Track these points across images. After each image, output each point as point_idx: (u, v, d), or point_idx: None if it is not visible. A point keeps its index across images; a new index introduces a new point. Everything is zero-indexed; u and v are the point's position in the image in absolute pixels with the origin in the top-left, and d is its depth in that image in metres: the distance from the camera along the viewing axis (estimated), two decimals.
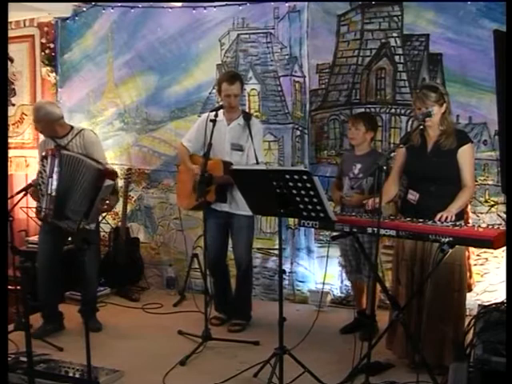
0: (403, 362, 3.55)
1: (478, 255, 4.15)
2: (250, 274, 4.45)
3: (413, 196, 3.48)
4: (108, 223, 5.29)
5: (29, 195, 4.09)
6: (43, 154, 4.05)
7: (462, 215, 3.45)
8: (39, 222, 4.85)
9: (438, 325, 3.35)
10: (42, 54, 5.58)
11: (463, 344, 2.95)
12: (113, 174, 4.07)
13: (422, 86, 3.72)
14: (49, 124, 4.07)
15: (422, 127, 3.45)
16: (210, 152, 4.03)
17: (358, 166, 4.08)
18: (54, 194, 3.95)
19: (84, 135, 4.15)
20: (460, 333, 3.25)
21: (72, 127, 4.19)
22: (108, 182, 3.96)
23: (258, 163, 4.06)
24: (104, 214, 4.65)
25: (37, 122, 4.10)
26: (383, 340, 3.51)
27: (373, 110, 4.56)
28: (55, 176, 3.95)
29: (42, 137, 5.41)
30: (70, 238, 4.33)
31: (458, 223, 3.18)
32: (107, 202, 4.03)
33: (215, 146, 3.95)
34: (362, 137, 4.08)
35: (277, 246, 3.56)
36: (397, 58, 4.49)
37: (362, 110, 4.58)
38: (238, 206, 4.13)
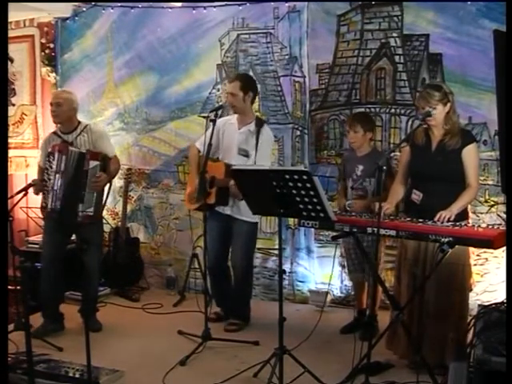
0: (403, 362, 3.55)
1: (478, 255, 4.14)
2: (249, 279, 4.43)
3: (416, 196, 3.46)
4: (108, 223, 5.29)
5: (31, 193, 4.10)
6: (49, 150, 4.06)
7: (465, 215, 3.43)
8: (39, 222, 4.88)
9: (440, 324, 3.34)
10: (42, 54, 5.58)
11: (465, 344, 2.95)
12: (97, 155, 4.06)
13: (425, 86, 3.71)
14: (70, 111, 4.15)
15: (425, 126, 3.43)
16: (219, 154, 4.05)
17: (361, 167, 4.07)
18: (60, 190, 3.96)
19: (91, 130, 4.19)
20: (462, 333, 3.24)
21: (79, 122, 4.23)
22: (93, 164, 3.99)
23: None
24: (104, 215, 4.65)
25: (60, 105, 4.10)
26: (383, 340, 3.51)
27: (373, 109, 4.56)
28: (62, 172, 3.97)
29: (42, 135, 5.48)
30: (72, 238, 4.35)
31: (458, 223, 3.18)
32: (99, 178, 4.03)
33: (224, 149, 3.97)
34: (361, 139, 4.08)
35: (277, 246, 3.56)
36: (397, 57, 4.49)
37: (362, 109, 4.58)
38: (240, 210, 4.12)
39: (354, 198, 4.06)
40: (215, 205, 4.13)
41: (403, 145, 3.69)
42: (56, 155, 4.00)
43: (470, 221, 3.54)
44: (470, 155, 3.37)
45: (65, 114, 4.14)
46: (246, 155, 4.15)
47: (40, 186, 4.06)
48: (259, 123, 4.20)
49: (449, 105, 3.37)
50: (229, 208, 4.18)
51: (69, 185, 3.99)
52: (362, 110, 4.58)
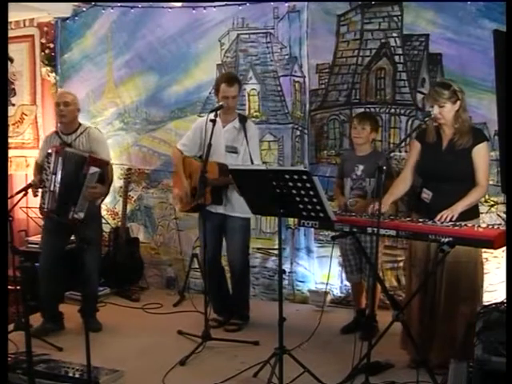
0: (403, 362, 3.55)
1: None
2: (247, 276, 4.43)
3: (426, 195, 3.43)
4: (108, 223, 5.30)
5: (31, 193, 4.11)
6: (49, 151, 4.07)
7: (474, 214, 3.39)
8: (39, 222, 4.87)
9: (450, 324, 3.34)
10: (42, 53, 5.58)
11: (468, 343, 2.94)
12: (98, 162, 4.07)
13: (434, 84, 3.68)
14: (76, 112, 4.21)
15: (436, 124, 3.41)
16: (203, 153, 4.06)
17: (361, 167, 4.07)
18: (56, 191, 3.97)
19: (89, 133, 4.21)
20: (470, 332, 3.21)
21: (80, 124, 4.26)
22: (93, 170, 3.99)
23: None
24: (104, 214, 4.66)
25: (68, 105, 4.14)
26: (383, 340, 3.49)
27: (373, 109, 4.56)
28: (59, 173, 3.98)
29: (42, 135, 5.48)
30: (72, 238, 4.35)
31: (458, 223, 3.16)
32: (95, 189, 4.04)
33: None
34: (366, 136, 4.08)
35: (276, 246, 3.56)
36: (397, 57, 4.49)
37: (362, 109, 4.58)
38: (233, 207, 4.13)
39: (351, 198, 4.06)
40: (210, 204, 4.13)
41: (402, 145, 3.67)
42: (53, 156, 4.01)
43: (480, 220, 3.50)
44: (480, 154, 3.32)
45: (72, 113, 4.17)
46: (235, 152, 4.15)
47: (38, 186, 4.07)
48: (243, 119, 4.22)
49: (458, 103, 3.31)
50: (221, 207, 4.18)
51: (65, 186, 3.99)
52: (362, 109, 4.58)
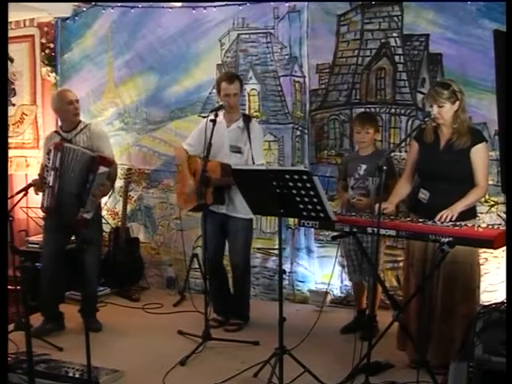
0: (403, 362, 3.55)
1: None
2: (247, 276, 4.43)
3: (423, 195, 3.44)
4: (108, 223, 5.30)
5: (31, 193, 4.12)
6: (50, 148, 4.08)
7: (472, 214, 3.39)
8: (40, 222, 4.87)
9: (446, 324, 3.34)
10: (42, 53, 5.58)
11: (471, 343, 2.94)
12: (107, 161, 4.08)
13: (434, 83, 3.68)
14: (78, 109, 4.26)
15: (434, 124, 3.40)
16: (210, 153, 4.05)
17: (364, 166, 4.06)
18: (56, 186, 3.98)
19: (90, 129, 4.22)
20: (469, 332, 3.22)
21: (80, 121, 4.28)
22: (102, 170, 4.01)
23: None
24: (104, 214, 4.66)
25: (78, 102, 4.22)
26: (383, 340, 3.49)
27: (373, 109, 4.56)
28: (58, 169, 3.98)
29: (42, 135, 5.48)
30: (72, 238, 4.35)
31: (458, 223, 3.16)
32: (101, 188, 4.07)
33: (214, 147, 3.94)
34: (371, 139, 4.08)
35: (277, 246, 3.56)
36: (397, 57, 4.49)
37: (362, 109, 4.58)
38: (236, 208, 4.13)
39: (354, 197, 4.06)
40: (212, 204, 4.13)
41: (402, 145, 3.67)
42: (52, 152, 4.02)
43: (480, 220, 3.50)
44: (479, 155, 3.32)
45: (79, 114, 4.24)
46: (239, 151, 4.15)
47: (39, 183, 4.08)
48: (247, 119, 4.21)
49: (457, 103, 3.31)
50: (224, 206, 4.18)
51: (66, 182, 4.00)
52: (362, 109, 4.58)
